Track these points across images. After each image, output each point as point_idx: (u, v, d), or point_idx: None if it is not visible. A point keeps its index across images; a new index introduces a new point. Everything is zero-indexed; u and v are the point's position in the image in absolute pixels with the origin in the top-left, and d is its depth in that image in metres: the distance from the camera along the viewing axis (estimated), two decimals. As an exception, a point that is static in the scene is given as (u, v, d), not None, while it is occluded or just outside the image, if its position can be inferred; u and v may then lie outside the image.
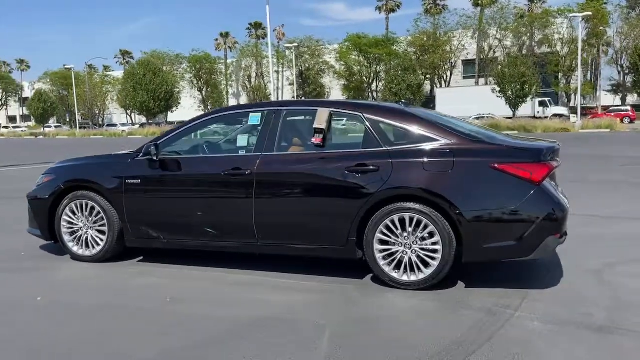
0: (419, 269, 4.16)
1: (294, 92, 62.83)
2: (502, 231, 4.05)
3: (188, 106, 71.84)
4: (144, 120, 63.65)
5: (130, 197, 4.85)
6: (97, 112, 76.68)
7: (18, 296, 4.23)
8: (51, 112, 70.91)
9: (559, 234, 4.08)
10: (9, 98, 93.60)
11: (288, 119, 4.66)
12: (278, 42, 67.95)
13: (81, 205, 5.02)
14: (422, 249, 4.14)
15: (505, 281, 4.40)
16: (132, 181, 4.84)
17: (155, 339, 3.38)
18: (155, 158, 4.75)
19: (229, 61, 74.36)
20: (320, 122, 4.46)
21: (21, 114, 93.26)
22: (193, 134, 5.09)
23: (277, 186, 4.47)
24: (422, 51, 60.23)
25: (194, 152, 4.95)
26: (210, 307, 3.90)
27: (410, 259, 4.18)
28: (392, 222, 4.17)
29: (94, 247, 5.04)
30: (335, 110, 4.58)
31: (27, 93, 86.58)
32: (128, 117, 72.44)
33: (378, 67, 63.64)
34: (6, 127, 78.44)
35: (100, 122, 74.85)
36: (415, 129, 4.32)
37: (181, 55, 72.90)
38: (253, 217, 4.49)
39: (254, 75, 70.76)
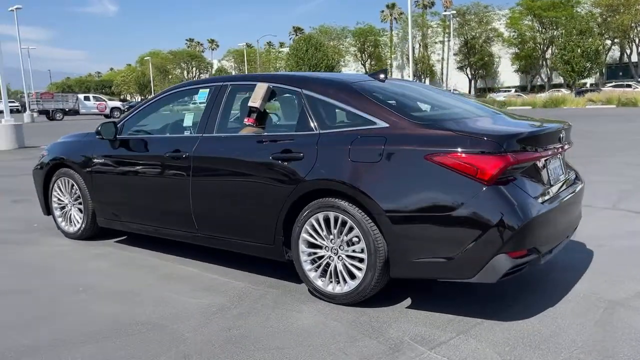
0: (344, 279, 3.41)
1: (457, 62, 59.76)
2: (435, 243, 3.09)
3: (352, 79, 72.76)
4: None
5: (96, 176, 4.76)
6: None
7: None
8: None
9: (516, 252, 3.00)
10: (201, 75, 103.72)
11: (232, 95, 4.10)
12: (445, 10, 64.85)
13: (65, 183, 5.09)
14: (348, 256, 3.38)
15: (473, 303, 3.44)
16: (96, 160, 4.74)
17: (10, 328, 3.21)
18: (111, 138, 4.58)
19: (393, 32, 73.22)
20: (255, 99, 3.84)
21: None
22: (163, 111, 4.79)
23: (210, 172, 3.98)
24: (610, 11, 52.73)
25: (150, 132, 4.66)
26: (111, 302, 3.62)
27: (335, 266, 3.44)
28: (318, 220, 3.45)
29: (74, 225, 5.10)
30: (275, 85, 3.90)
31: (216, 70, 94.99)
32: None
33: (555, 32, 57.38)
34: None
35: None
36: (353, 109, 3.49)
37: (346, 29, 73.67)
38: (191, 205, 4.09)
39: (417, 46, 68.71)
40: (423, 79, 70.06)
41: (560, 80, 55.78)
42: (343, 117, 3.58)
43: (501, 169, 2.96)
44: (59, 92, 55.02)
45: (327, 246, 3.44)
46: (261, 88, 3.86)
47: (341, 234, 3.37)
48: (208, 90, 4.21)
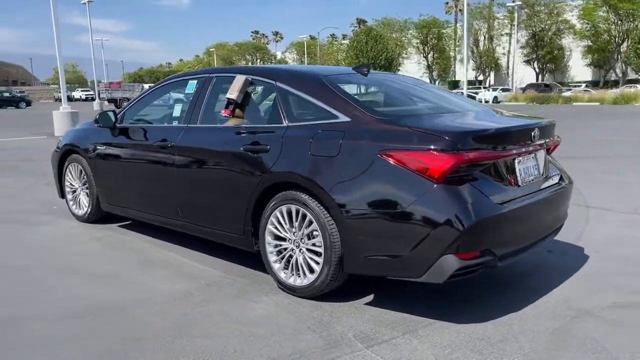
0: (304, 273, 3.43)
1: (523, 56, 57.51)
2: (386, 240, 3.04)
3: (413, 72, 71.71)
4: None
5: (98, 163, 4.99)
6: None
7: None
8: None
9: (465, 253, 2.91)
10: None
11: (216, 87, 4.18)
12: (513, 1, 62.54)
13: (75, 168, 5.36)
14: (308, 250, 3.39)
15: (437, 302, 3.37)
16: (99, 147, 4.97)
17: None
18: (109, 126, 4.79)
19: (457, 25, 71.38)
20: (233, 91, 3.90)
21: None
22: (163, 101, 4.94)
23: (191, 162, 4.08)
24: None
25: (148, 122, 4.81)
26: (90, 283, 3.80)
27: (297, 259, 3.46)
28: (282, 213, 3.48)
29: (82, 209, 5.37)
30: (253, 77, 3.94)
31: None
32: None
33: (633, 25, 54.07)
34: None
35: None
36: (319, 103, 3.48)
37: (409, 21, 72.53)
38: (175, 193, 4.23)
39: (482, 38, 66.70)
40: (487, 73, 68.01)
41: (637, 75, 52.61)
42: (310, 110, 3.57)
43: (451, 167, 2.87)
44: (126, 82, 57.42)
45: (290, 239, 3.47)
46: (239, 80, 3.92)
47: (302, 227, 3.38)
48: (196, 81, 4.32)
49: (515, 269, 4.01)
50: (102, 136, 4.94)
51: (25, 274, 4.01)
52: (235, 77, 4.00)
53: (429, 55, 72.53)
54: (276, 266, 3.57)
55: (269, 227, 3.55)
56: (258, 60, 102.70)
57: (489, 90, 45.09)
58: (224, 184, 3.81)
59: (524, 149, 3.27)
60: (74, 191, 5.45)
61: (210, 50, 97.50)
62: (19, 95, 53.28)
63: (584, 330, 3.00)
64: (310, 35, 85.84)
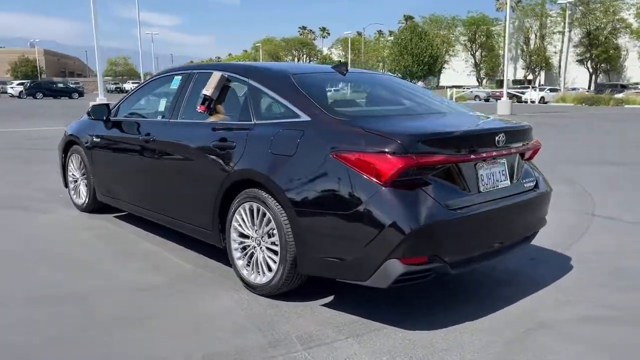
0: (263, 271, 3.43)
1: (576, 55, 55.48)
2: (335, 242, 3.01)
3: (460, 70, 70.37)
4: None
5: (94, 154, 5.14)
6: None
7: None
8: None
9: (411, 258, 2.84)
10: (311, 62, 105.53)
11: (196, 83, 4.21)
12: (566, -1, 60.39)
13: (76, 159, 5.53)
14: (268, 248, 3.39)
15: (396, 307, 3.31)
16: (95, 140, 5.11)
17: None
18: (101, 119, 4.92)
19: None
20: (208, 88, 3.93)
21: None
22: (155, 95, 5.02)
23: (170, 156, 4.15)
24: None
25: (139, 115, 4.90)
26: (65, 271, 3.91)
27: (257, 257, 3.47)
28: (245, 210, 3.49)
29: (81, 198, 5.54)
30: (229, 74, 3.96)
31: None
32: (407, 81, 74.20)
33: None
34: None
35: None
36: (284, 101, 3.46)
37: (457, 18, 71.15)
38: (155, 186, 4.31)
39: (532, 37, 64.74)
40: (537, 72, 66.00)
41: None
42: (276, 109, 3.57)
43: (399, 170, 2.81)
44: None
45: (252, 236, 3.48)
46: (215, 77, 3.94)
47: (262, 225, 3.39)
48: (180, 77, 4.38)
49: (490, 276, 3.90)
50: (97, 129, 5.08)
51: (5, 259, 4.18)
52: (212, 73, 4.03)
53: (477, 53, 70.98)
54: (239, 263, 3.58)
55: (234, 223, 3.57)
56: (304, 56, 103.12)
57: (535, 90, 43.70)
58: (196, 179, 3.85)
59: (485, 154, 3.16)
60: (75, 181, 5.63)
61: (257, 45, 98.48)
62: (72, 86, 55.38)
63: (538, 344, 2.88)
64: (357, 32, 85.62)
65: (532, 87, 48.31)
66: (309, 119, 3.26)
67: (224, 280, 3.72)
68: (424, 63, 54.73)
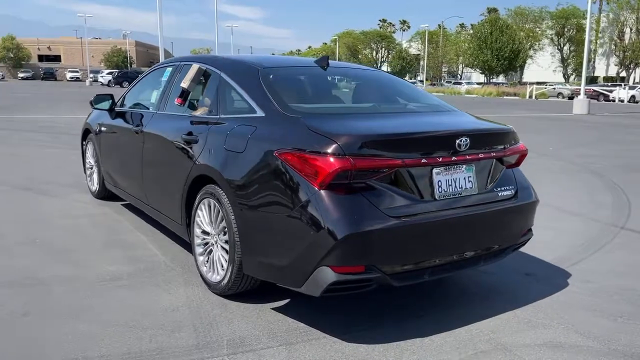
0: (217, 269, 3.36)
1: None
2: (275, 245, 2.88)
3: (545, 66, 67.00)
4: (497, 79, 62.42)
5: (101, 143, 5.28)
6: (445, 69, 78.87)
7: None
8: (408, 68, 76.49)
9: (344, 267, 2.65)
10: (389, 55, 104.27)
11: (183, 75, 4.17)
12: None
13: (91, 147, 5.72)
14: (222, 247, 3.31)
15: (353, 316, 3.14)
16: (102, 129, 5.24)
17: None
18: (105, 109, 5.03)
19: (601, 15, 65.15)
20: (186, 80, 3.89)
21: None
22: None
23: (153, 148, 4.16)
24: None
25: (137, 106, 4.95)
26: (42, 256, 4.02)
27: (214, 255, 3.40)
28: (205, 206, 3.43)
29: (94, 185, 5.72)
30: (207, 67, 3.88)
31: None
32: (485, 76, 71.65)
33: None
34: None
35: (449, 79, 76.82)
36: (246, 96, 3.35)
37: (545, 10, 67.55)
38: (142, 177, 4.35)
39: (627, 31, 60.23)
40: (631, 69, 61.39)
41: None
42: (238, 103, 3.46)
43: (334, 173, 2.62)
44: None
45: (211, 233, 3.41)
46: (193, 69, 3.90)
47: (217, 222, 3.31)
48: (170, 69, 4.38)
49: (467, 289, 3.62)
50: (104, 118, 5.21)
51: None
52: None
53: (565, 48, 67.12)
54: (200, 259, 3.53)
55: (197, 219, 3.52)
56: (382, 49, 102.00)
57: (624, 89, 40.65)
58: (170, 172, 3.84)
59: (441, 159, 2.89)
60: (91, 168, 5.82)
61: (334, 38, 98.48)
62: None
63: (482, 369, 2.62)
64: (438, 25, 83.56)
65: (622, 85, 45.02)
66: (264, 114, 3.13)
67: (191, 277, 3.68)
68: (503, 58, 52.41)
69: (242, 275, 3.14)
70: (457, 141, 2.91)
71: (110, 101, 5.02)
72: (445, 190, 2.93)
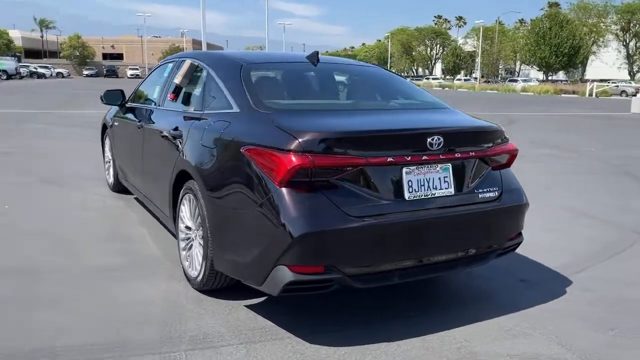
0: (195, 265, 3.37)
1: None
2: (239, 242, 2.86)
3: (610, 62, 64.02)
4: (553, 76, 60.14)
5: (114, 137, 5.42)
6: (501, 65, 76.51)
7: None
8: (462, 65, 74.75)
9: (301, 267, 2.59)
10: (444, 51, 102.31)
11: (180, 71, 4.21)
12: None
13: (108, 141, 5.88)
14: (199, 242, 3.32)
15: (330, 316, 3.09)
16: (114, 124, 5.38)
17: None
18: (115, 104, 5.15)
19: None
20: (178, 76, 3.93)
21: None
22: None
23: (149, 143, 4.23)
24: None
25: (144, 101, 5.02)
26: (39, 246, 4.14)
27: (193, 250, 3.41)
28: (186, 201, 3.45)
29: (110, 179, 5.88)
30: (198, 62, 3.89)
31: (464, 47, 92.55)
32: (543, 73, 69.07)
33: None
34: (427, 78, 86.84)
35: (506, 76, 74.54)
36: (225, 91, 3.34)
37: (610, 5, 64.41)
38: (143, 172, 4.43)
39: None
40: None
41: None
42: (219, 99, 3.44)
43: (292, 170, 2.57)
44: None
45: (192, 228, 3.43)
46: (185, 65, 3.93)
47: (195, 218, 3.32)
48: (171, 65, 4.43)
49: (460, 291, 3.54)
50: (116, 114, 5.35)
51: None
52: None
53: (630, 44, 63.82)
54: (182, 254, 3.55)
55: (181, 214, 3.54)
56: (437, 46, 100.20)
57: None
58: (161, 167, 3.89)
59: (410, 158, 2.77)
60: (108, 162, 5.99)
61: (387, 35, 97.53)
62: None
63: (444, 379, 2.50)
64: (496, 20, 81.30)
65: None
66: (238, 110, 3.11)
67: (177, 272, 3.70)
68: (562, 54, 50.36)
69: (215, 272, 3.13)
70: (429, 140, 2.79)
71: (121, 97, 5.13)
72: (417, 190, 2.82)
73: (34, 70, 61.46)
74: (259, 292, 3.31)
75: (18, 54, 71.43)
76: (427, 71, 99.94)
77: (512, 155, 3.23)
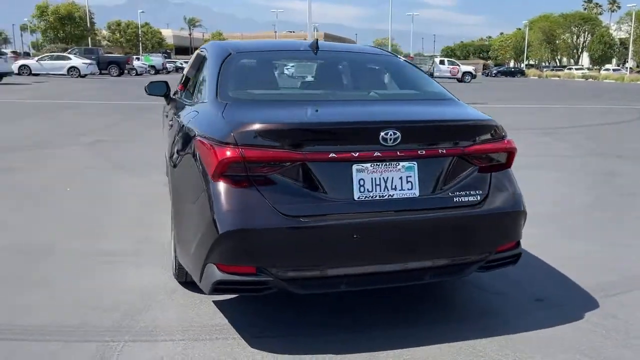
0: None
1: None
2: (184, 237, 2.79)
3: None
4: None
5: (164, 127, 5.61)
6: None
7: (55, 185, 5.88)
8: (611, 54, 67.64)
9: (230, 266, 2.45)
10: (592, 38, 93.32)
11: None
12: None
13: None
14: (174, 233, 3.31)
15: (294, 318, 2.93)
16: (164, 114, 5.57)
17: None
18: (159, 94, 5.30)
19: None
20: (188, 66, 3.94)
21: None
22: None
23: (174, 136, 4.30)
24: None
25: (175, 93, 5.08)
26: (64, 228, 4.42)
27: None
28: (172, 191, 3.46)
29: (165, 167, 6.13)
30: (203, 52, 3.84)
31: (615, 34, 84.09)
32: None
33: None
34: (570, 68, 79.83)
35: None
36: (207, 81, 3.24)
37: None
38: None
39: None
40: None
41: None
42: (204, 89, 3.36)
43: (224, 163, 2.43)
44: (421, 56, 58.72)
45: (174, 219, 3.43)
46: (194, 55, 3.93)
47: (173, 208, 3.32)
48: (198, 55, 4.45)
49: (455, 305, 3.17)
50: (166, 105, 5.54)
51: (43, 205, 4.96)
52: None
53: None
54: (172, 244, 3.57)
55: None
56: (585, 33, 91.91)
57: None
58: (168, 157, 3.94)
59: (357, 154, 2.47)
60: (168, 151, 6.25)
61: (525, 23, 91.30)
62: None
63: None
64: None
65: None
66: (207, 101, 3.04)
67: (167, 260, 3.73)
68: None
69: (179, 264, 3.10)
70: (382, 134, 2.48)
71: (165, 88, 5.28)
72: (371, 190, 2.52)
73: (180, 65, 66.80)
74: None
75: (169, 51, 77.86)
76: (572, 61, 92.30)
77: (510, 153, 2.79)
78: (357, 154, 2.48)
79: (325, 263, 2.51)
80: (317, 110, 2.74)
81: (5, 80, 25.71)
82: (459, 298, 3.25)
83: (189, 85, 3.93)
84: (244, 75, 3.31)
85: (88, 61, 34.43)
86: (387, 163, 2.54)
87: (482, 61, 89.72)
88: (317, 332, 2.78)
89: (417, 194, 2.58)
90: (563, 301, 3.18)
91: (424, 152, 2.57)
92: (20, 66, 33.53)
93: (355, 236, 2.47)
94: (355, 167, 2.50)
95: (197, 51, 3.97)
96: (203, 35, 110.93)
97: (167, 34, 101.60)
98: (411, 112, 2.87)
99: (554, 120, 14.16)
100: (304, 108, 2.83)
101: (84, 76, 33.05)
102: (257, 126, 2.46)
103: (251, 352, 2.59)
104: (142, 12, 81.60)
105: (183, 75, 4.47)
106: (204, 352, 2.59)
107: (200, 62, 3.83)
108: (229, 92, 2.97)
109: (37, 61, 34.79)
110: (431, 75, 43.21)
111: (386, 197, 2.54)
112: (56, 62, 34.20)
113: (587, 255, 3.96)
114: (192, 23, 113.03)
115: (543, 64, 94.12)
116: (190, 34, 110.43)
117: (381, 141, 2.49)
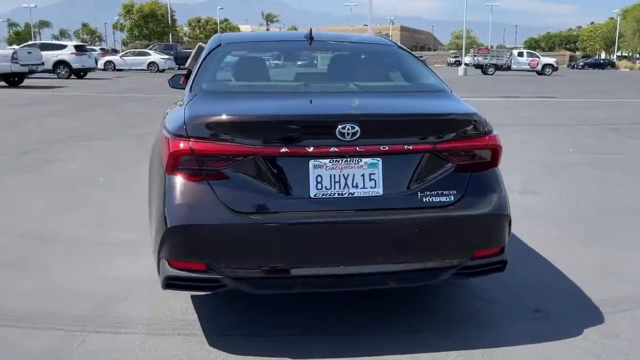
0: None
1: None
2: (150, 232, 2.75)
3: None
4: None
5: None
6: None
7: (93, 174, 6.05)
8: None
9: (180, 262, 2.39)
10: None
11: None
12: None
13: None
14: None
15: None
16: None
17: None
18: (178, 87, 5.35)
19: None
20: (190, 59, 3.92)
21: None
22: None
23: None
24: None
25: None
26: (91, 219, 4.58)
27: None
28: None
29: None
30: (203, 45, 3.80)
31: None
32: None
33: None
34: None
35: None
36: (193, 74, 3.22)
37: None
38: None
39: None
40: None
41: None
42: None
43: (175, 155, 2.37)
44: (497, 49, 56.26)
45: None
46: (196, 48, 3.90)
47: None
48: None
49: (444, 312, 2.94)
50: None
51: (70, 195, 5.16)
52: None
53: None
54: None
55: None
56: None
57: None
58: None
59: (312, 149, 2.32)
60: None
61: (618, 12, 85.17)
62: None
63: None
64: None
65: None
66: (190, 97, 2.99)
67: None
68: None
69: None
70: (339, 128, 2.32)
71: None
72: (329, 187, 2.37)
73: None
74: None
75: (246, 46, 79.65)
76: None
77: (494, 152, 2.54)
78: (312, 149, 2.34)
79: (277, 263, 2.39)
80: (280, 103, 2.62)
81: (89, 75, 27.31)
82: (445, 305, 3.02)
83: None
84: (226, 67, 3.24)
85: (166, 56, 35.98)
86: (348, 159, 2.38)
87: (568, 53, 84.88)
88: (282, 333, 2.67)
89: (381, 192, 2.40)
90: (563, 314, 2.87)
91: (387, 148, 2.38)
92: (106, 62, 35.52)
93: (309, 235, 2.33)
94: (312, 162, 2.36)
95: (200, 43, 3.94)
96: (280, 30, 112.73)
97: (246, 29, 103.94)
98: (373, 105, 2.67)
99: (625, 115, 13.11)
100: (267, 100, 2.71)
101: (163, 71, 34.46)
102: (208, 119, 2.38)
103: (207, 350, 2.53)
104: (221, 8, 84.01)
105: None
106: (161, 346, 2.55)
107: (198, 54, 3.80)
108: (202, 84, 2.92)
109: (120, 57, 36.75)
110: (508, 68, 41.07)
111: (346, 195, 2.38)
112: (137, 57, 35.95)
113: (609, 264, 3.58)
114: (269, 18, 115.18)
115: (637, 55, 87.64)
116: (267, 29, 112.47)
117: (338, 136, 2.33)
